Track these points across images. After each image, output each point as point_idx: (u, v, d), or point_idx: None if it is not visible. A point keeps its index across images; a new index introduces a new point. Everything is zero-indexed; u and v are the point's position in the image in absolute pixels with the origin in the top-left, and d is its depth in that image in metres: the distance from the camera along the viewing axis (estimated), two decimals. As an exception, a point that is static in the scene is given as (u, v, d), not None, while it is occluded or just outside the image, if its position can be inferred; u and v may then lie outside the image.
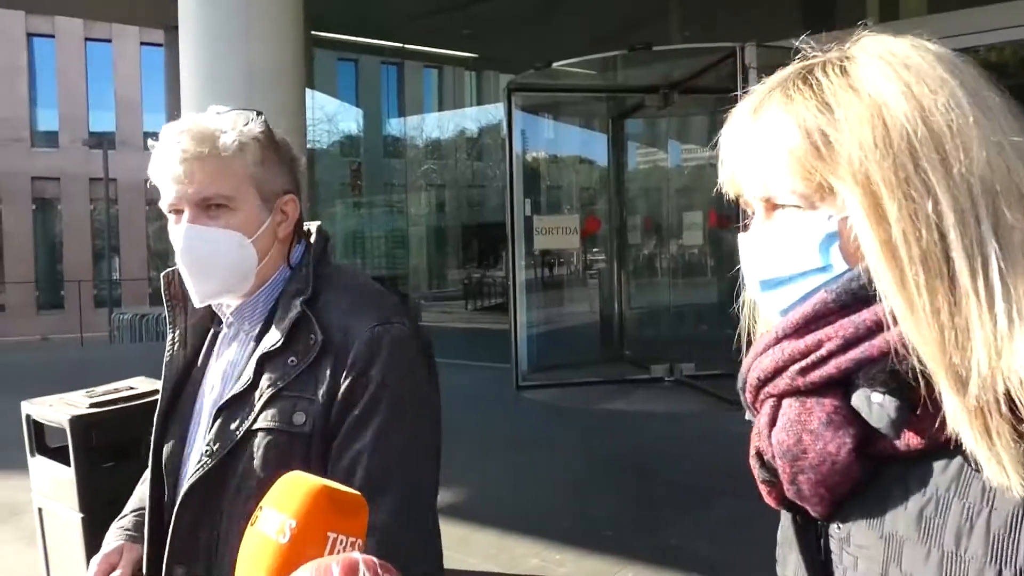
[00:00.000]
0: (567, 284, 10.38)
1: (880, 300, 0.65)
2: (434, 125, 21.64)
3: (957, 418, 0.61)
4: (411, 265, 15.76)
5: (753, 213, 0.76)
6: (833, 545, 0.73)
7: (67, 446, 2.81)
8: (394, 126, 21.80)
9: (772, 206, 0.73)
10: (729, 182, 0.76)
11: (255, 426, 1.18)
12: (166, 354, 1.35)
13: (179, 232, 1.20)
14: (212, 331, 1.36)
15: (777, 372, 0.71)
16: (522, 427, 6.20)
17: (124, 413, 2.94)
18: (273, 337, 1.20)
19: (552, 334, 8.88)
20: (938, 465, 0.65)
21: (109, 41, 23.81)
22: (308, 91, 6.57)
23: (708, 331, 9.21)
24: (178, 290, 1.32)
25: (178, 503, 1.22)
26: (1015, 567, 0.60)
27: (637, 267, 9.52)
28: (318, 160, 15.66)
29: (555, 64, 7.29)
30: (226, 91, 3.46)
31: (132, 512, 1.39)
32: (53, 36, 23.25)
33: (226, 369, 1.29)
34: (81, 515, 2.81)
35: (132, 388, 3.12)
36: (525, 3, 9.32)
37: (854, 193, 0.65)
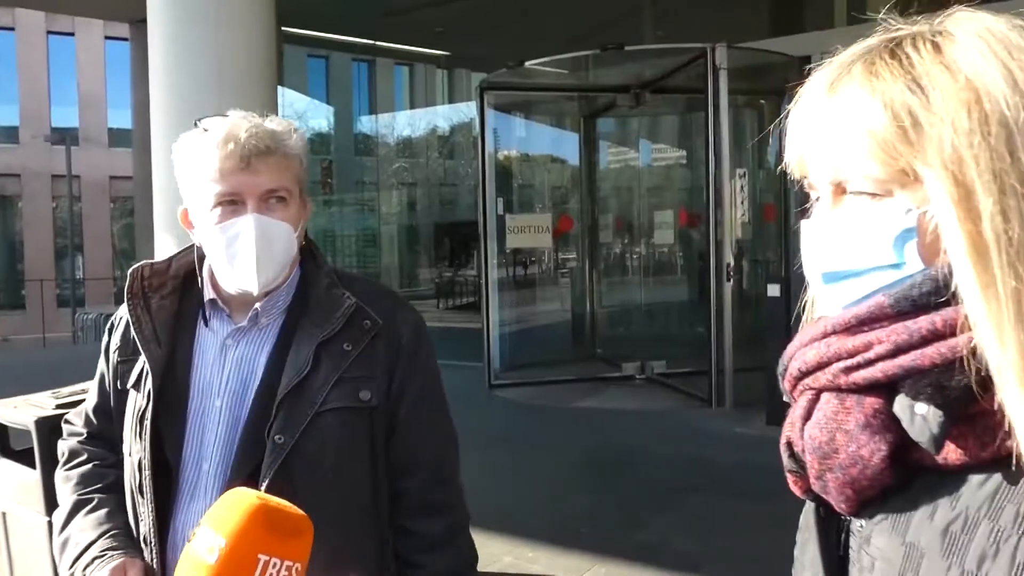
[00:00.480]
0: (539, 283, 10.40)
1: (939, 308, 0.62)
2: (405, 123, 21.54)
3: (1020, 436, 0.58)
4: (383, 264, 15.67)
5: (818, 199, 0.71)
6: (853, 542, 0.72)
7: (32, 448, 2.75)
8: (365, 124, 21.67)
9: (842, 191, 0.68)
10: (796, 163, 0.71)
11: (324, 408, 1.28)
12: (143, 352, 1.33)
13: (247, 221, 1.26)
14: (189, 330, 1.36)
15: (820, 367, 0.68)
16: (494, 425, 6.19)
17: (91, 414, 2.88)
18: (327, 327, 1.31)
19: (524, 333, 8.89)
20: (973, 483, 0.63)
21: (72, 35, 23.33)
22: (278, 88, 6.50)
23: (679, 329, 9.29)
24: (139, 287, 1.36)
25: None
26: None
27: (609, 266, 9.58)
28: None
29: (528, 63, 7.29)
30: (197, 87, 3.41)
31: (103, 535, 1.31)
32: (13, 29, 22.73)
33: (240, 365, 1.33)
34: (47, 519, 2.75)
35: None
36: (497, 2, 9.31)
37: (943, 182, 0.60)
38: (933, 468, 0.64)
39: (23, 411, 2.83)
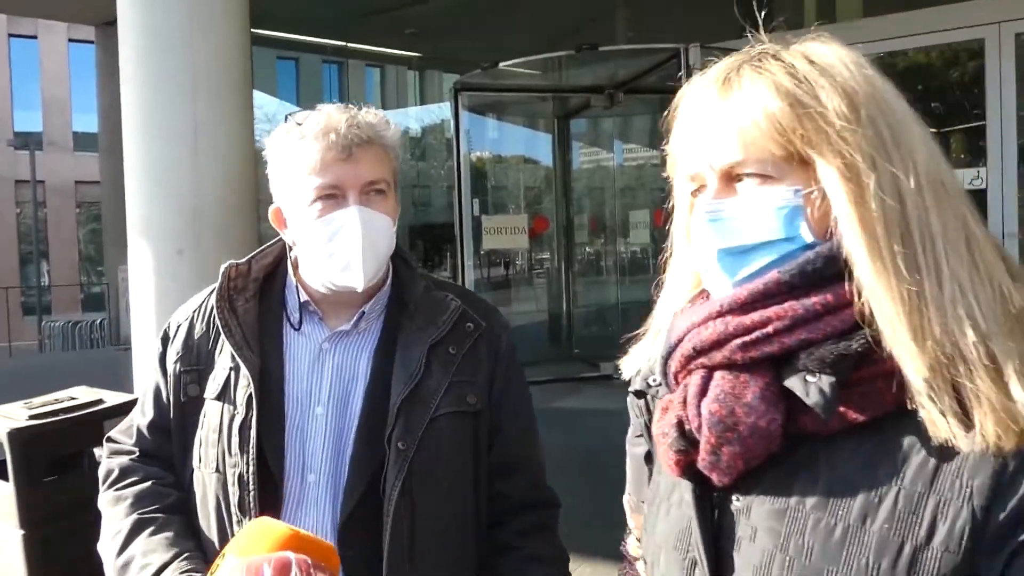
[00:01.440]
0: (515, 284, 10.40)
1: (834, 282, 0.69)
2: (377, 125, 21.40)
3: (914, 378, 0.65)
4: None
5: (699, 189, 0.77)
6: (727, 518, 0.75)
7: (4, 460, 2.69)
8: (336, 126, 21.48)
9: (732, 178, 0.74)
10: (685, 155, 0.77)
11: (438, 413, 1.25)
12: (239, 358, 1.25)
13: (350, 213, 1.22)
14: (275, 335, 1.30)
15: (717, 344, 0.72)
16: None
17: (65, 425, 2.83)
18: (435, 329, 1.28)
19: (502, 333, 8.88)
20: (851, 446, 0.69)
21: (35, 37, 22.87)
22: (250, 90, 6.41)
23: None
24: (226, 290, 1.30)
25: (392, 509, 1.18)
26: (916, 540, 0.65)
27: (584, 266, 9.60)
28: (258, 160, 15.28)
29: (502, 64, 7.29)
30: (170, 90, 3.35)
31: (178, 557, 1.21)
32: (-27, 32, 22.24)
33: (341, 371, 1.29)
34: (22, 531, 2.69)
35: (73, 399, 3.01)
36: (469, 3, 9.29)
37: (832, 163, 0.69)
38: (815, 435, 0.70)
39: (-7, 421, 2.76)
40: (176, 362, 1.31)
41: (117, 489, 1.32)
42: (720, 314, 0.73)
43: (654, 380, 0.85)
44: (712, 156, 0.75)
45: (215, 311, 1.29)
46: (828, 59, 0.73)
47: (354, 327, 1.29)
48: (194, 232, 3.11)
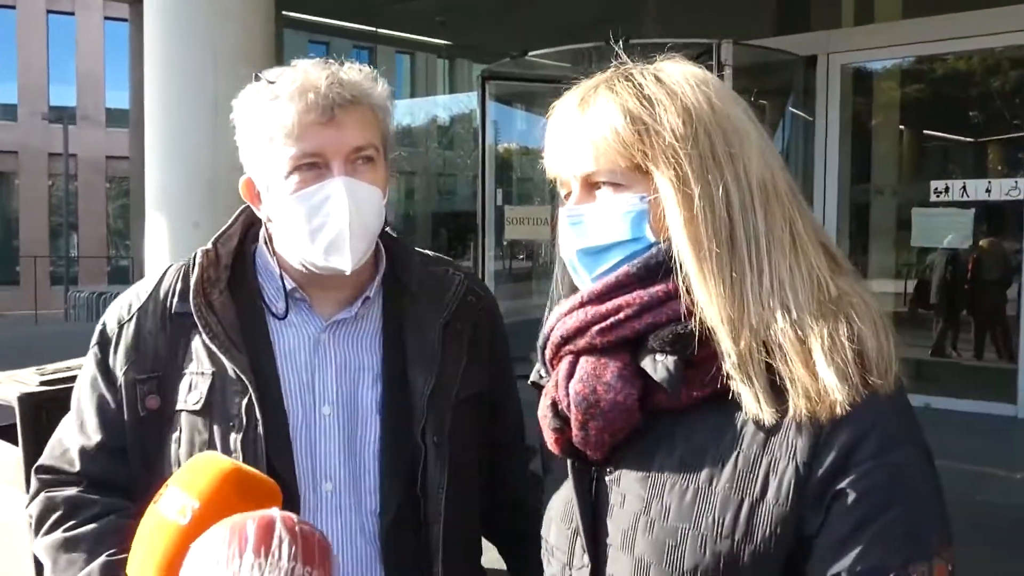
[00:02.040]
0: (536, 275, 10.37)
1: (672, 275, 0.79)
2: (405, 112, 21.44)
3: (730, 362, 0.75)
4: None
5: (568, 194, 0.88)
6: (602, 488, 0.84)
7: (14, 424, 2.71)
8: (365, 111, 21.51)
9: (591, 185, 0.85)
10: (553, 164, 0.88)
11: (459, 398, 1.16)
12: (224, 363, 1.08)
13: (335, 185, 1.05)
14: (258, 329, 1.14)
15: (579, 332, 0.82)
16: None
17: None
18: (443, 308, 1.18)
19: (521, 325, 8.86)
20: (700, 418, 0.79)
21: (72, 14, 23.15)
22: (278, 70, 6.41)
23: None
24: (200, 282, 1.12)
25: (442, 509, 1.10)
26: (752, 496, 0.75)
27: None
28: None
29: (531, 53, 7.24)
30: (192, 67, 3.36)
31: None
32: (14, 7, 22.54)
33: (346, 363, 1.14)
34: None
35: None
36: (501, -9, 9.24)
37: (666, 175, 0.79)
38: (669, 410, 0.80)
39: (7, 387, 2.78)
40: (126, 369, 1.11)
41: (66, 530, 1.08)
42: (582, 304, 0.83)
43: (542, 373, 0.93)
44: (571, 166, 0.85)
45: (192, 308, 1.10)
46: (675, 78, 0.83)
47: (355, 314, 1.16)
48: (210, 205, 3.12)
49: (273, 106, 1.07)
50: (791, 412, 0.74)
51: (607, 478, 0.84)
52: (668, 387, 0.77)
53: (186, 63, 3.30)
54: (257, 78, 1.12)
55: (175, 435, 1.09)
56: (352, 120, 1.08)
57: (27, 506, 1.15)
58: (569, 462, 0.87)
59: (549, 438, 0.86)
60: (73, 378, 2.88)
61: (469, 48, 12.68)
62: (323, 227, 1.07)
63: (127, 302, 1.17)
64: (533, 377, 0.96)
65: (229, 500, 0.81)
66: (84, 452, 1.13)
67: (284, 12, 8.83)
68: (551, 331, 0.86)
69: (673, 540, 0.77)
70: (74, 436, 1.14)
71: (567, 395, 0.82)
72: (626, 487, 0.82)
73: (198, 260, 1.14)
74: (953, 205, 6.18)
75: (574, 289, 0.91)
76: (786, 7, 8.36)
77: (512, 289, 9.27)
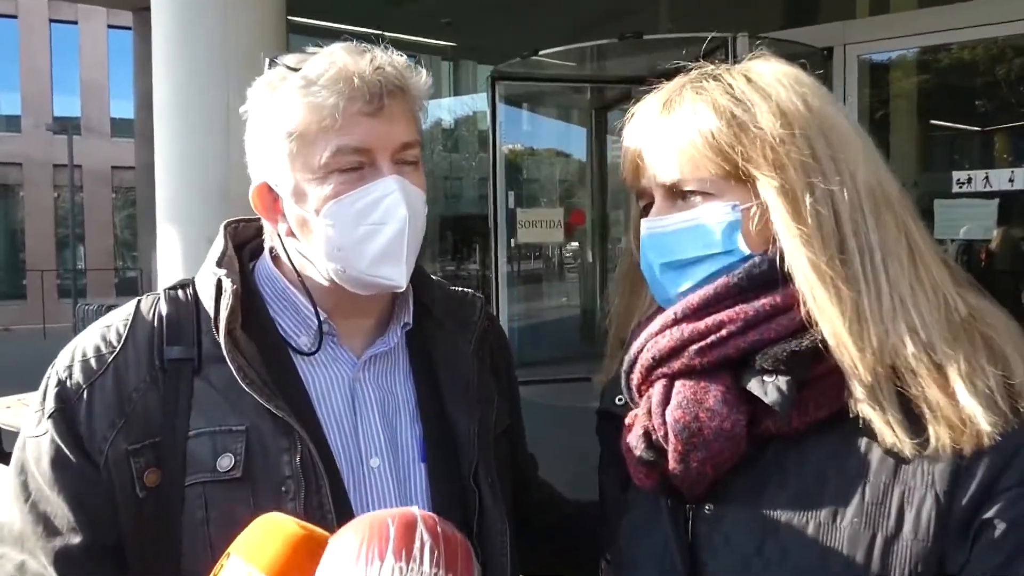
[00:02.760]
0: (548, 278, 10.27)
1: (780, 286, 0.72)
2: (410, 115, 21.37)
3: (852, 388, 0.68)
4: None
5: (647, 205, 0.81)
6: (701, 527, 0.75)
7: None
8: (369, 115, 21.46)
9: (676, 194, 0.78)
10: (632, 173, 0.82)
11: (496, 432, 1.05)
12: (258, 416, 0.88)
13: (390, 185, 0.90)
14: (286, 370, 0.96)
15: (674, 352, 0.75)
16: (505, 425, 6.05)
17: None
18: (469, 334, 1.06)
19: (534, 328, 8.77)
20: (815, 444, 0.71)
21: (75, 23, 23.13)
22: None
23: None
24: (230, 316, 0.92)
25: (508, 555, 0.98)
26: (887, 531, 0.67)
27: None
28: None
29: (541, 52, 7.14)
30: (201, 77, 3.26)
31: None
32: (16, 16, 22.54)
33: (385, 405, 0.99)
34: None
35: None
36: (507, -9, 9.15)
37: (771, 179, 0.72)
38: (779, 436, 0.72)
39: (17, 412, 2.68)
40: (112, 439, 0.87)
41: None
42: (675, 322, 0.76)
43: (620, 399, 0.85)
44: (655, 174, 0.79)
45: (225, 351, 0.89)
46: (767, 79, 0.78)
47: (392, 346, 1.01)
48: (222, 219, 3.01)
49: (304, 94, 0.90)
50: (932, 443, 0.67)
51: (706, 517, 0.76)
52: (780, 410, 0.70)
53: (196, 70, 3.20)
54: (272, 63, 0.95)
55: (200, 515, 0.86)
56: (400, 111, 0.93)
57: None
58: (664, 501, 0.79)
59: (637, 473, 0.78)
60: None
61: (474, 50, 12.59)
62: (374, 234, 0.90)
63: (91, 352, 0.93)
64: (605, 404, 0.88)
65: (303, 570, 0.71)
66: (62, 559, 0.86)
67: (289, 17, 8.75)
68: (640, 352, 0.78)
69: None
70: (42, 543, 0.86)
71: (663, 423, 0.74)
72: (731, 526, 0.74)
73: (228, 289, 0.93)
74: (976, 196, 6.08)
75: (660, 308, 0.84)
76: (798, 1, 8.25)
77: (523, 292, 9.18)
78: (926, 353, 0.68)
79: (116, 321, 0.97)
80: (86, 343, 0.95)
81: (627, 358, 0.81)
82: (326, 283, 0.97)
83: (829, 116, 0.77)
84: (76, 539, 0.86)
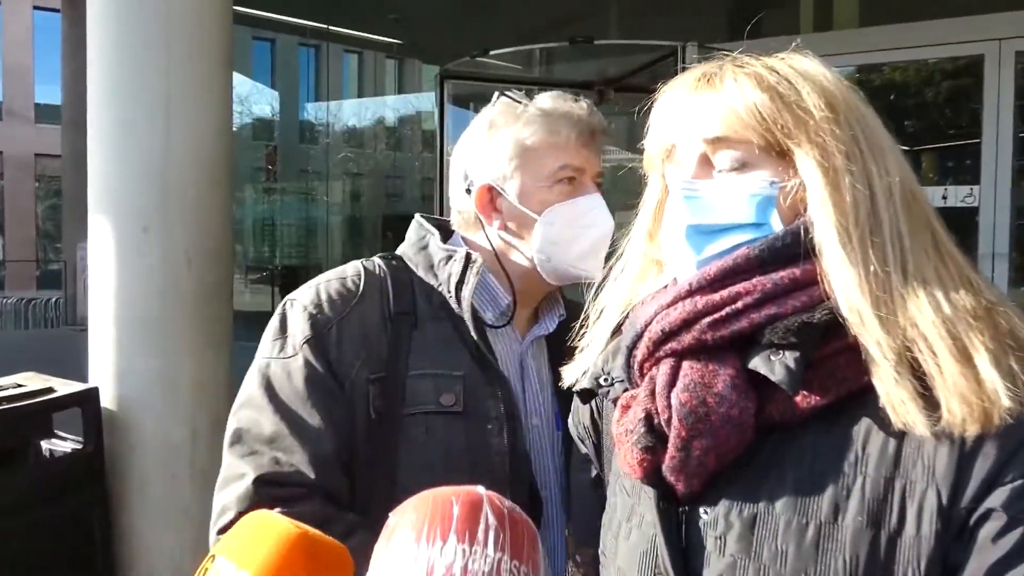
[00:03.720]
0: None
1: (801, 261, 0.70)
2: (353, 112, 21.05)
3: (879, 360, 0.65)
4: (325, 255, 15.25)
5: (678, 167, 0.78)
6: (694, 527, 0.72)
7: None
8: (311, 111, 21.09)
9: (710, 163, 0.76)
10: (659, 144, 0.79)
11: None
12: (474, 364, 1.13)
13: (597, 199, 1.19)
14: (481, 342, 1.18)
15: (686, 325, 0.71)
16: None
17: (10, 415, 2.58)
18: (561, 321, 1.25)
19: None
20: (810, 437, 0.68)
21: (-1, 3, 22.09)
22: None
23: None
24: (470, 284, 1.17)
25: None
26: (889, 528, 0.64)
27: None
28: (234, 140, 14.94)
29: (491, 53, 7.09)
30: (141, 64, 3.09)
31: None
32: (-66, -7, 21.40)
33: (541, 379, 1.24)
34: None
35: (20, 386, 2.76)
36: (456, -9, 9.08)
37: (812, 154, 0.71)
38: (781, 426, 0.69)
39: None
40: (358, 368, 1.08)
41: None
42: (690, 293, 0.72)
43: (606, 380, 0.81)
44: (693, 133, 0.76)
45: (465, 308, 1.13)
46: (807, 66, 0.77)
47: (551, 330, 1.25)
48: (161, 209, 2.86)
49: (546, 120, 1.18)
50: (943, 418, 0.63)
51: (700, 519, 0.72)
52: (788, 388, 0.67)
53: (135, 55, 3.03)
54: (502, 95, 1.24)
55: (421, 439, 1.06)
56: (598, 147, 1.22)
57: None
58: (654, 499, 0.74)
59: (632, 459, 0.72)
60: (7, 399, 2.62)
61: (421, 49, 12.47)
62: (582, 235, 1.16)
63: (335, 295, 1.14)
64: (586, 384, 0.82)
65: (298, 572, 0.66)
66: (317, 462, 1.03)
67: (235, 8, 8.47)
68: (648, 325, 0.74)
69: None
70: (298, 444, 1.04)
71: (668, 406, 0.70)
72: (726, 527, 0.70)
73: (477, 262, 1.16)
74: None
75: (662, 289, 0.81)
76: (745, 12, 8.41)
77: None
78: (948, 332, 0.65)
79: (350, 275, 1.19)
80: (329, 288, 1.16)
81: (631, 333, 0.76)
82: (524, 271, 1.21)
83: (867, 113, 0.76)
84: (326, 446, 1.04)
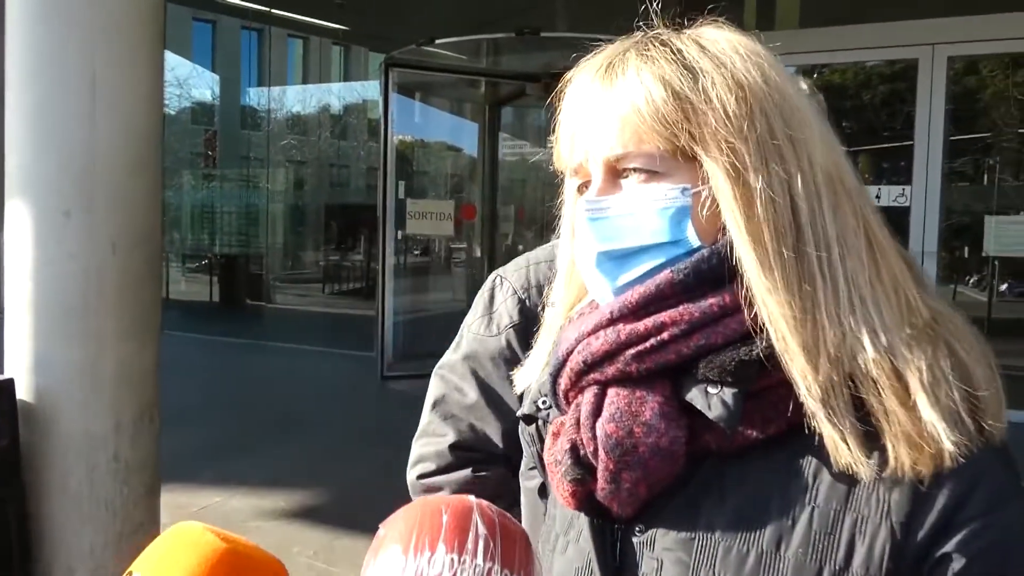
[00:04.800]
0: (435, 271, 10.15)
1: (728, 284, 0.64)
2: (297, 99, 20.66)
3: (805, 398, 0.61)
4: (266, 244, 14.95)
5: (585, 184, 0.71)
6: (629, 550, 0.69)
7: None
8: (253, 96, 20.60)
9: (617, 172, 0.69)
10: (568, 146, 0.72)
11: None
12: None
13: None
14: None
15: (609, 356, 0.66)
16: (389, 420, 5.90)
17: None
18: None
19: (420, 322, 8.62)
20: (758, 463, 0.64)
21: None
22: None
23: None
24: None
25: None
26: (834, 564, 0.60)
27: (508, 258, 9.44)
28: (166, 126, 14.48)
29: (438, 41, 7.01)
30: (65, 39, 2.94)
31: None
32: None
33: None
34: None
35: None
36: (404, -23, 8.96)
37: (719, 163, 0.64)
38: (717, 453, 0.65)
39: None
40: (525, 341, 1.07)
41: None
42: (611, 322, 0.67)
43: (543, 402, 0.77)
44: (595, 148, 0.69)
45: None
46: (720, 46, 0.68)
47: None
48: (84, 193, 2.73)
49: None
50: (890, 463, 0.60)
51: (635, 539, 0.68)
52: (726, 426, 0.62)
53: (60, 33, 2.87)
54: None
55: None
56: None
57: (431, 479, 1.20)
58: (588, 521, 0.70)
59: (563, 491, 0.68)
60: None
61: (367, 35, 12.28)
62: None
63: (544, 280, 1.15)
64: (526, 409, 0.78)
65: None
66: (506, 435, 1.12)
67: (168, -16, 8.20)
68: (569, 354, 0.69)
69: None
70: (492, 416, 1.15)
71: (593, 437, 0.66)
72: (662, 550, 0.66)
73: None
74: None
75: (592, 303, 0.75)
76: (691, 9, 8.48)
77: (410, 284, 9.02)
78: (887, 359, 0.61)
79: (535, 263, 1.19)
80: (538, 273, 1.17)
81: (554, 360, 0.71)
82: None
83: (787, 92, 0.67)
84: (510, 425, 1.08)
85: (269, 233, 15.28)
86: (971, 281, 9.28)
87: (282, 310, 13.31)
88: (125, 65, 2.98)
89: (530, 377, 0.82)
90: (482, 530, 0.60)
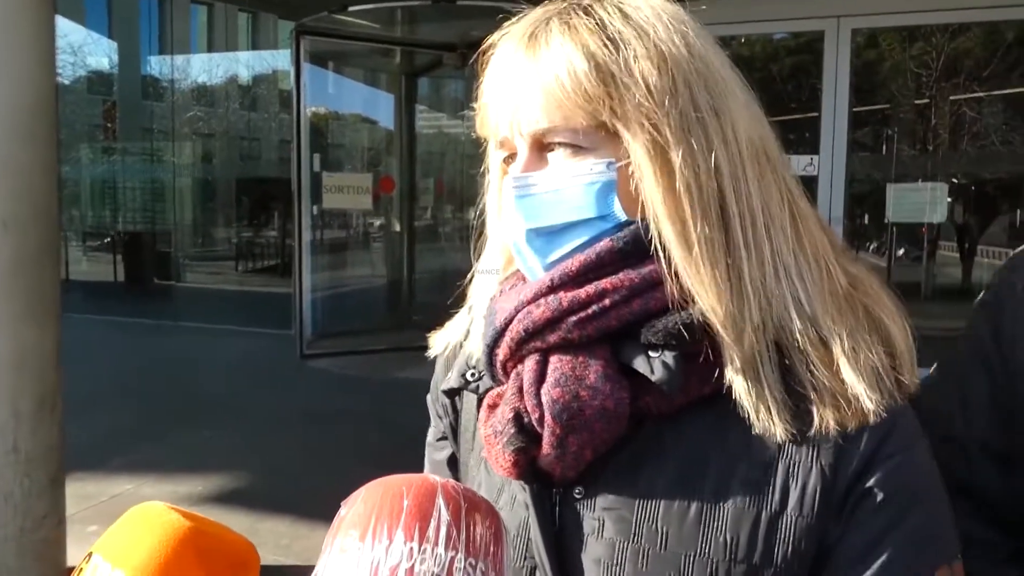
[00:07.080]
0: (354, 246, 9.98)
1: (659, 253, 0.65)
2: (202, 68, 19.78)
3: (733, 366, 0.63)
4: (173, 221, 14.35)
5: (511, 156, 0.71)
6: (569, 512, 0.70)
7: None
8: (155, 65, 19.61)
9: (543, 146, 0.69)
10: (492, 118, 0.71)
11: None
12: None
13: None
14: None
15: (550, 324, 0.67)
16: (309, 399, 5.80)
17: None
18: None
19: (338, 298, 8.48)
20: (694, 420, 0.66)
21: None
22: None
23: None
24: None
25: None
26: (771, 509, 0.64)
27: (427, 231, 9.35)
28: (61, 97, 13.68)
29: (352, 8, 6.81)
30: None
31: None
32: None
33: None
34: None
35: None
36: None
37: (640, 138, 0.64)
38: (656, 415, 0.67)
39: None
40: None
41: None
42: (552, 289, 0.67)
43: (472, 375, 0.77)
44: (520, 122, 0.68)
45: None
46: (644, 13, 0.68)
47: None
48: (25, 198, 2.55)
49: None
50: (815, 423, 0.63)
51: (575, 501, 0.69)
52: (668, 388, 0.64)
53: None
54: None
55: None
56: None
57: None
58: (526, 487, 0.70)
59: (504, 460, 0.68)
60: None
61: (275, 3, 11.82)
62: None
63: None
64: (453, 383, 0.78)
65: (186, 570, 0.59)
66: None
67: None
68: (508, 323, 0.68)
69: (674, 571, 0.64)
70: None
71: (538, 404, 0.65)
72: (604, 511, 0.68)
73: None
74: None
75: (516, 274, 0.75)
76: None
77: (328, 260, 8.85)
78: (812, 327, 0.64)
79: None
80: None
81: (491, 330, 0.70)
82: None
83: (712, 61, 0.67)
84: None
85: (177, 209, 14.67)
86: (871, 247, 9.73)
87: (193, 289, 12.85)
88: (10, 29, 2.78)
89: (450, 340, 0.82)
90: (445, 516, 0.57)
